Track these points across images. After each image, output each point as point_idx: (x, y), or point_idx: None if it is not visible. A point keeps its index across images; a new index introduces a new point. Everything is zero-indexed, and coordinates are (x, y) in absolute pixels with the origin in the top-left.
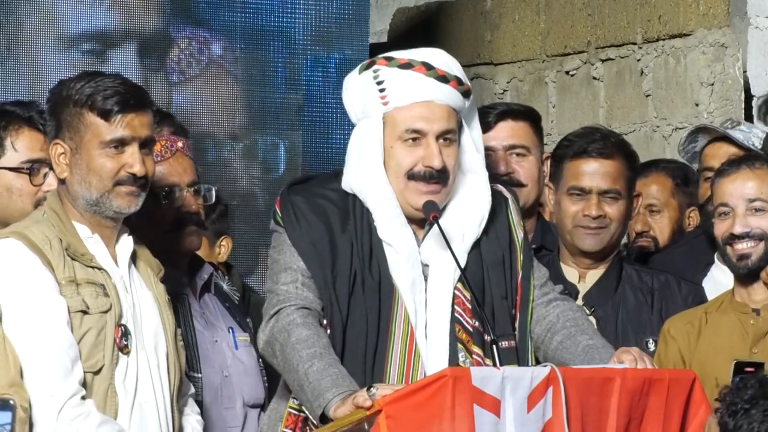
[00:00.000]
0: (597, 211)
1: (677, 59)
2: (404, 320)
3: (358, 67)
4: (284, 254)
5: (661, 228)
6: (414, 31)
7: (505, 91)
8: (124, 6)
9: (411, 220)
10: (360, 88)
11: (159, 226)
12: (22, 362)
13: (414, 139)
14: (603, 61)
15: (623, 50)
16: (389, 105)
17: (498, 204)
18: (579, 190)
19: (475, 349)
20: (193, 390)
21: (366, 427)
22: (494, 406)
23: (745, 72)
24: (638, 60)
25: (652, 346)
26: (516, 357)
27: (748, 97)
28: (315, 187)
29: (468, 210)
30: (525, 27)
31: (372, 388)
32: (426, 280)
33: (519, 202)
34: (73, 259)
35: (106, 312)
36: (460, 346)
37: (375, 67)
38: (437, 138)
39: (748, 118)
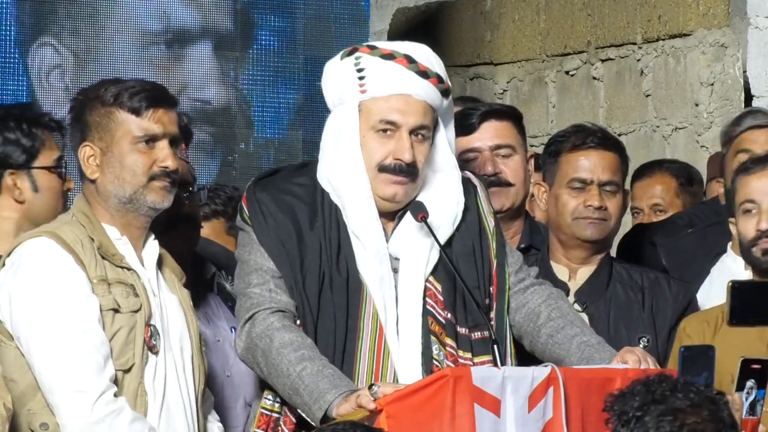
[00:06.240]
0: (599, 201)
1: (677, 59)
2: (373, 317)
3: (341, 53)
4: (254, 254)
5: None
6: (414, 31)
7: (505, 91)
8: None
9: (381, 213)
10: (340, 73)
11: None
12: (55, 360)
13: (387, 131)
14: (603, 61)
15: (623, 50)
16: (367, 94)
17: (467, 192)
18: (580, 182)
19: (449, 341)
20: (213, 398)
21: None
22: (494, 405)
23: (745, 72)
24: (638, 60)
25: (642, 344)
26: (489, 347)
27: (748, 97)
28: (281, 182)
29: (440, 207)
30: (525, 27)
31: (374, 387)
32: (396, 273)
33: (508, 201)
34: (103, 258)
35: (136, 311)
36: (433, 338)
37: (357, 54)
38: (411, 132)
39: None
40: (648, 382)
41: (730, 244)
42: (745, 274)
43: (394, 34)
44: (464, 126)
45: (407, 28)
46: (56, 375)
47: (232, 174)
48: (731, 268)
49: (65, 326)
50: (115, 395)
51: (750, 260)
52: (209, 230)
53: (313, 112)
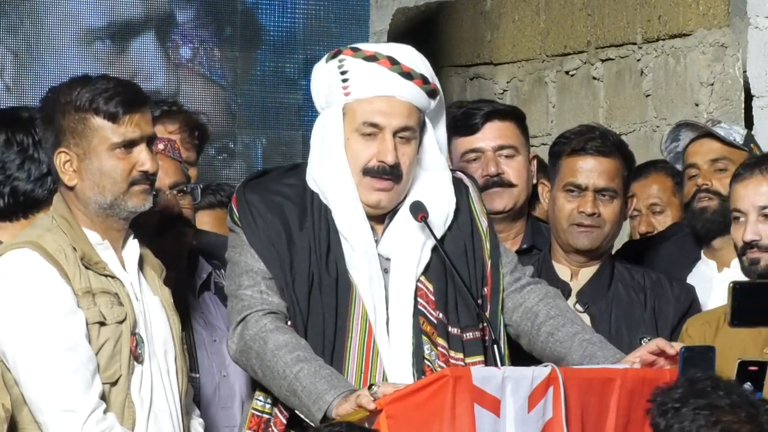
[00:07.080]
0: (592, 208)
1: (677, 59)
2: (362, 317)
3: (326, 55)
4: (244, 255)
5: (664, 228)
6: (414, 31)
7: (505, 91)
8: None
9: (369, 216)
10: (325, 76)
11: (144, 230)
12: (42, 379)
13: (370, 133)
14: (603, 61)
15: (623, 50)
16: (350, 96)
17: (459, 193)
18: (575, 187)
19: (440, 341)
20: (192, 392)
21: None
22: (494, 405)
23: (745, 72)
24: (638, 60)
25: (644, 345)
26: (482, 347)
27: (748, 97)
28: (271, 184)
29: (431, 207)
30: (525, 27)
31: (373, 387)
32: (387, 273)
33: (511, 201)
34: (87, 268)
35: (121, 322)
36: (424, 338)
37: (341, 56)
38: (395, 134)
39: (748, 118)
40: (693, 378)
41: (703, 250)
42: (718, 277)
43: (394, 34)
44: (467, 126)
45: (407, 28)
46: (44, 394)
47: (231, 174)
48: (705, 273)
49: (52, 343)
50: (105, 412)
51: (742, 267)
52: (210, 218)
53: (313, 112)
